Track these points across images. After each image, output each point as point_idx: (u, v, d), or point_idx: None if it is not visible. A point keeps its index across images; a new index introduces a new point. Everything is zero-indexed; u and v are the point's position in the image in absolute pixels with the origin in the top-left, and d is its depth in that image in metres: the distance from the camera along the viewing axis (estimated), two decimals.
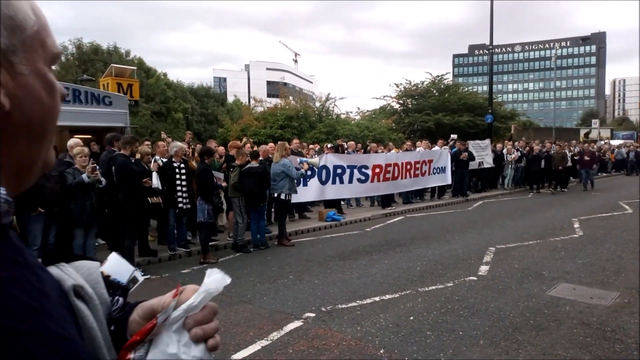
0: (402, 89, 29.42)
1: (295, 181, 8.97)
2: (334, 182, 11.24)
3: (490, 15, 19.83)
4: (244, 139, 12.49)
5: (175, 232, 8.00)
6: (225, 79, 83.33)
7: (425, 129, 26.73)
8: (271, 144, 11.12)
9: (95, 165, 6.69)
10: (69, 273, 0.67)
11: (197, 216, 7.54)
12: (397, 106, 29.64)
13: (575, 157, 18.16)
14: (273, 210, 10.13)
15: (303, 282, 6.30)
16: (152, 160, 7.75)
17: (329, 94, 23.03)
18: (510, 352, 4.07)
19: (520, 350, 4.10)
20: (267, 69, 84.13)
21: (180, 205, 7.78)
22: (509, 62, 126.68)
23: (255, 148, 10.17)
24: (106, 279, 0.76)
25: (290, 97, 24.12)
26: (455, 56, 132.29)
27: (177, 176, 7.77)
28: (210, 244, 7.87)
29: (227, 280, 0.70)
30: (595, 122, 50.79)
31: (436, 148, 15.43)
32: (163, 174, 7.69)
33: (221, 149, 9.99)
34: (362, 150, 14.23)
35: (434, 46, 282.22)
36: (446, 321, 4.77)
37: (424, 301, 5.40)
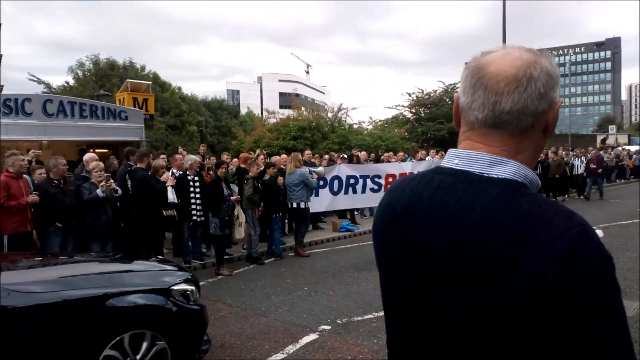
0: (415, 97, 29.33)
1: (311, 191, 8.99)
2: (346, 192, 11.21)
3: (502, 23, 19.74)
4: (257, 151, 12.56)
5: (190, 244, 8.04)
6: (238, 92, 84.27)
7: (438, 137, 26.55)
8: (284, 155, 11.16)
9: (108, 174, 6.80)
10: None
11: (209, 228, 7.59)
12: (409, 115, 29.53)
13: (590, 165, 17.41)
14: (287, 221, 10.13)
15: (318, 294, 6.27)
16: (170, 174, 7.84)
17: (341, 105, 23.10)
18: None
19: None
20: (280, 80, 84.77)
21: (195, 217, 7.82)
22: None
23: (268, 160, 10.23)
24: None
25: (303, 108, 24.22)
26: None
27: (191, 189, 7.83)
28: (225, 256, 7.90)
29: None
30: (612, 128, 50.02)
31: None
32: (177, 186, 7.76)
33: (235, 160, 10.06)
34: (374, 160, 14.18)
35: (446, 54, 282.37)
36: None
37: None
